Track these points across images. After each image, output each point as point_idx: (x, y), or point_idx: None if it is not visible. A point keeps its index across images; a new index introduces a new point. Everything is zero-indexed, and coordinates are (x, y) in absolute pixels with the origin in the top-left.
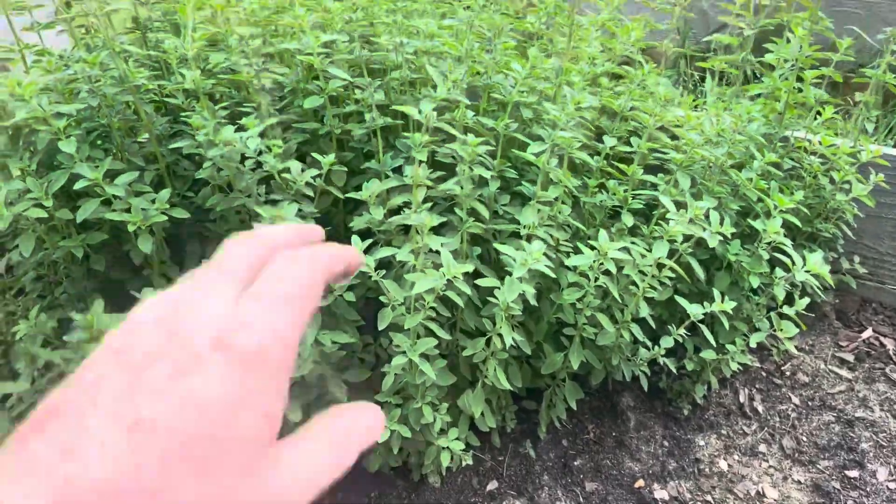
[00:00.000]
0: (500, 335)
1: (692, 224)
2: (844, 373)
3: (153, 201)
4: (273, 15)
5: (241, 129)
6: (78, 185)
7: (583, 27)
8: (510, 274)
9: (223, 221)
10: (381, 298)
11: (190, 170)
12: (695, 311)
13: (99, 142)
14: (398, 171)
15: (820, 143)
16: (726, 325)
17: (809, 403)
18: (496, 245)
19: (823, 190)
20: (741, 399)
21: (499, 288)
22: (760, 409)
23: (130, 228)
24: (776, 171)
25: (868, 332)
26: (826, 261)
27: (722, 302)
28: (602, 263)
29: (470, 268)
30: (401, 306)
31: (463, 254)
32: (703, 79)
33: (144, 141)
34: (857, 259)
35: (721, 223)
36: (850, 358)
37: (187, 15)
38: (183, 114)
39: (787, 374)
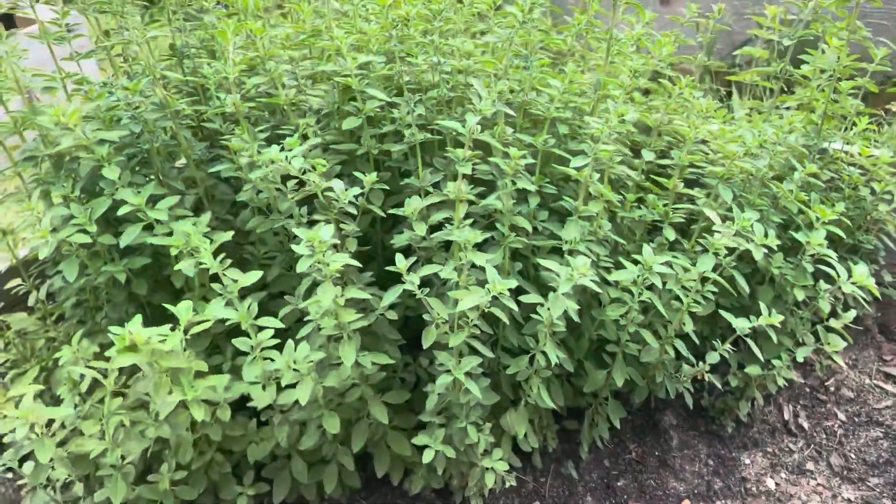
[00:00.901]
0: (543, 352)
1: (738, 236)
2: (890, 387)
3: (194, 225)
4: (309, 38)
5: (282, 149)
6: (122, 211)
7: (620, 41)
8: (552, 290)
9: (262, 244)
10: (425, 317)
11: (228, 193)
12: (741, 325)
13: (138, 167)
14: (436, 187)
15: (859, 153)
16: (774, 339)
17: (856, 419)
18: (539, 260)
19: (864, 201)
20: (786, 416)
21: (542, 304)
22: (806, 425)
23: (173, 252)
24: (817, 183)
25: None
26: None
27: (769, 315)
28: (646, 278)
29: (514, 283)
30: (444, 324)
31: (505, 270)
32: (729, 93)
33: (182, 166)
34: None
35: (765, 236)
36: (895, 372)
37: (227, 40)
38: (221, 138)
39: (832, 389)
